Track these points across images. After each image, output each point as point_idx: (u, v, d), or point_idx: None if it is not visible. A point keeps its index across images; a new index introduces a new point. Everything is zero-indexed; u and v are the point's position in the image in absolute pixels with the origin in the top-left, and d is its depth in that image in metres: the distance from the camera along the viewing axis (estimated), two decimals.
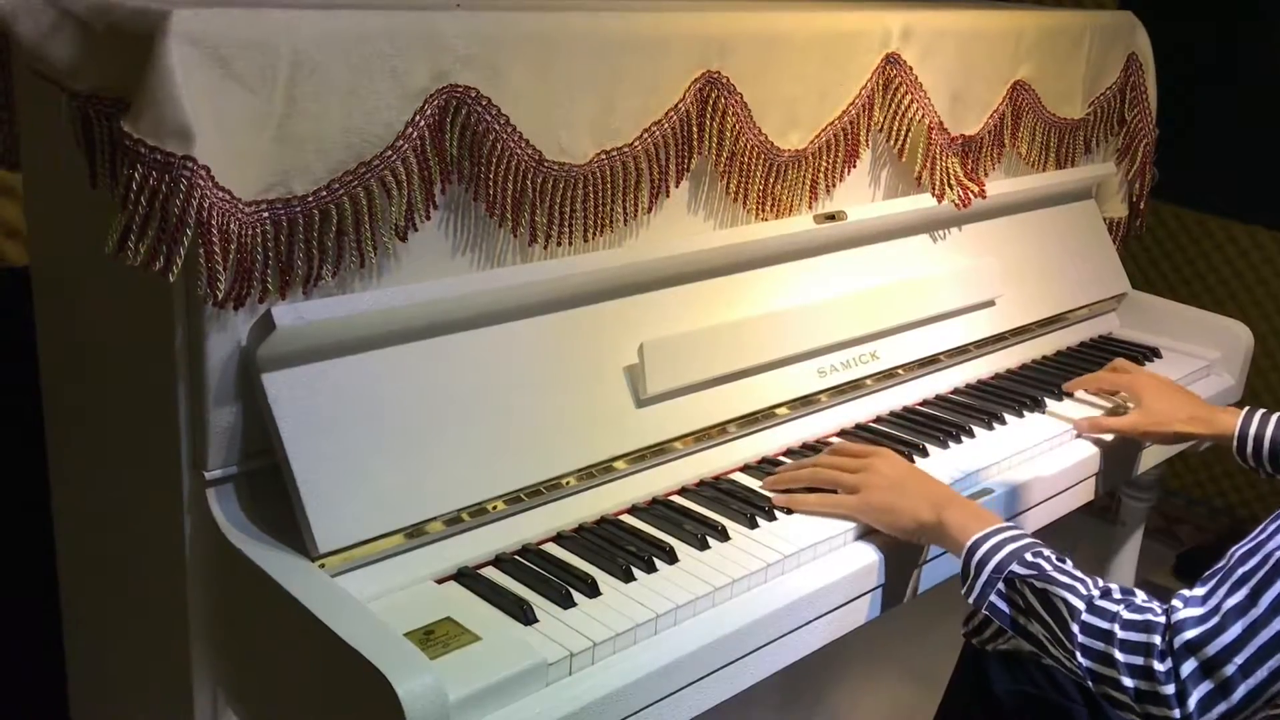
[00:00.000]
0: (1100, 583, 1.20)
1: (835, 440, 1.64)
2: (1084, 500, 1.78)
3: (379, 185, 1.23)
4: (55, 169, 1.37)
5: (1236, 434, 1.68)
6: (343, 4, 1.23)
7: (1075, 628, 1.17)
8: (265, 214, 1.16)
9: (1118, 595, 1.18)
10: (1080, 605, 1.17)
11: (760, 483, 1.50)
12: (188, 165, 1.07)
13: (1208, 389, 2.07)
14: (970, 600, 1.28)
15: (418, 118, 1.24)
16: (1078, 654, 1.16)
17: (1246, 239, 3.06)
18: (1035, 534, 1.68)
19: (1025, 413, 1.80)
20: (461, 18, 1.27)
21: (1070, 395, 1.86)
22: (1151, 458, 1.93)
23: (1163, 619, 1.12)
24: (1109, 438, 1.78)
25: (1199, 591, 1.12)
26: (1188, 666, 1.09)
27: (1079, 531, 2.95)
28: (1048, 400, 1.85)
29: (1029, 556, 1.24)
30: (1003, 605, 1.25)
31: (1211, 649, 1.08)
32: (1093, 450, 1.76)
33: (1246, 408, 1.71)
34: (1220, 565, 1.13)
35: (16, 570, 1.78)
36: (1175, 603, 1.13)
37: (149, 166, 1.06)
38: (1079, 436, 1.78)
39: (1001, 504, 1.58)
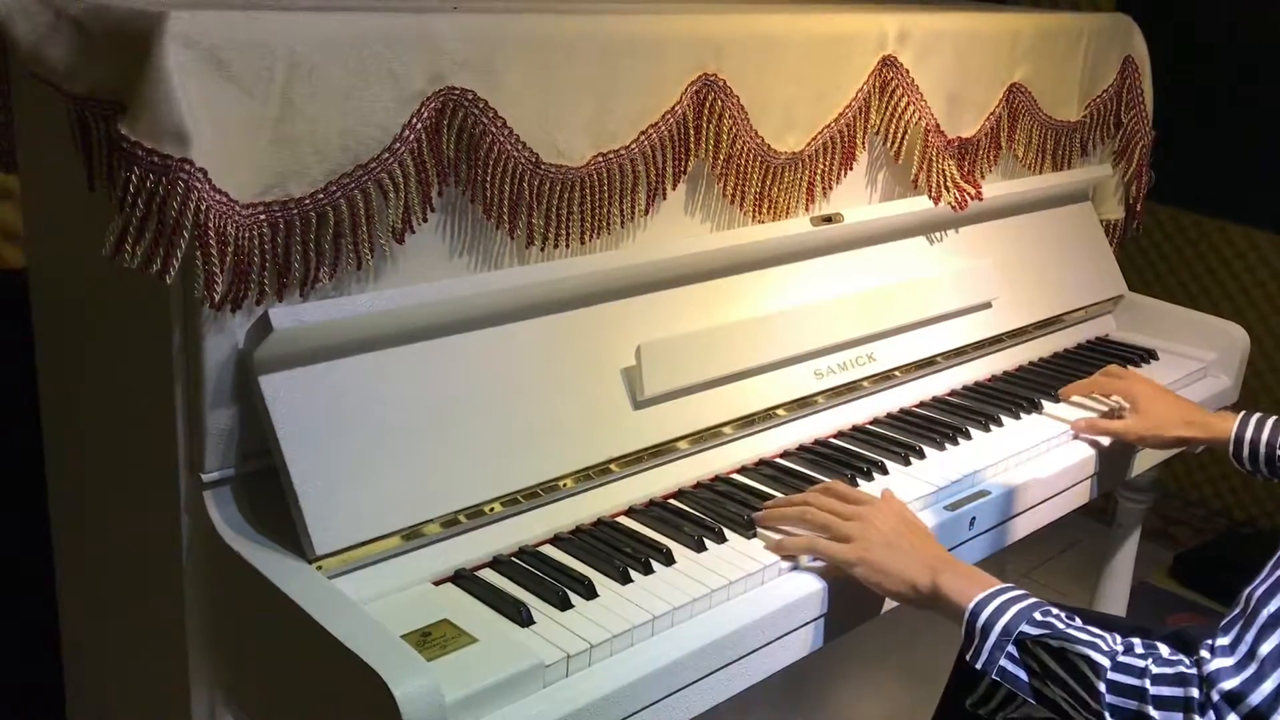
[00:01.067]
0: (1119, 639, 1.15)
1: (834, 441, 1.64)
2: (1081, 502, 1.78)
3: (376, 187, 1.23)
4: (53, 171, 1.37)
5: (1233, 438, 1.69)
6: (340, 6, 1.23)
7: (1102, 686, 1.11)
8: (262, 216, 1.16)
9: (1140, 650, 1.12)
10: (1105, 662, 1.11)
11: (758, 484, 1.50)
12: (185, 167, 1.07)
13: (1204, 391, 2.07)
14: (979, 665, 1.20)
15: (415, 120, 1.24)
16: (1106, 714, 1.10)
17: (1243, 241, 3.06)
18: (1034, 535, 1.70)
19: (1022, 414, 1.80)
20: (458, 20, 1.27)
21: (1065, 400, 1.86)
22: (1148, 459, 1.93)
23: (1194, 671, 1.07)
24: (1105, 441, 1.79)
25: (1224, 641, 1.07)
26: None
27: (1076, 533, 2.96)
28: (1044, 402, 1.85)
29: (1038, 616, 1.18)
30: (1016, 670, 1.18)
31: (1254, 699, 1.03)
32: (1090, 452, 1.76)
33: (1242, 412, 1.72)
34: (1239, 611, 1.08)
35: (13, 572, 1.78)
36: (1203, 654, 1.07)
37: (146, 169, 1.06)
38: (1076, 437, 1.78)
39: (998, 506, 1.59)
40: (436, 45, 1.25)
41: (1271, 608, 1.05)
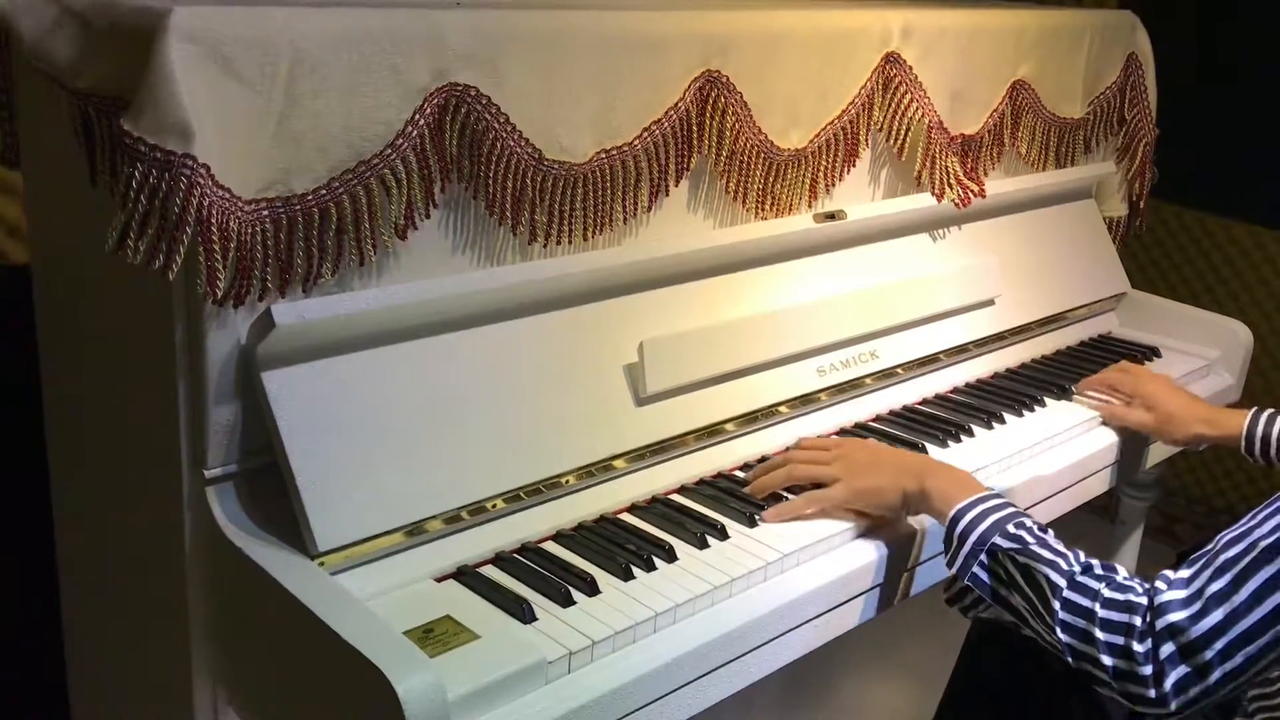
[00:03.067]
0: (1082, 557, 1.22)
1: (835, 438, 1.64)
2: (1084, 499, 1.78)
3: (379, 183, 1.23)
4: (55, 167, 1.37)
5: (1244, 433, 1.71)
6: (343, 1, 1.23)
7: (1056, 604, 1.18)
8: (265, 212, 1.16)
9: (1099, 571, 1.20)
10: (1062, 582, 1.19)
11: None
12: (187, 163, 1.07)
13: (1207, 388, 2.07)
14: (953, 570, 1.29)
15: (418, 116, 1.24)
16: (1058, 630, 1.18)
17: (1247, 238, 3.06)
18: None
19: (1025, 412, 1.80)
20: (462, 16, 1.27)
21: (1080, 395, 1.86)
22: (1152, 457, 1.93)
23: (1144, 599, 1.14)
24: (1112, 437, 1.79)
25: (1183, 574, 1.14)
26: (1167, 649, 1.11)
27: (1079, 530, 2.96)
28: (1047, 399, 1.85)
29: (1011, 528, 1.25)
30: (984, 576, 1.26)
31: (1192, 633, 1.10)
32: (1093, 449, 1.76)
33: (1254, 408, 1.73)
34: (1206, 549, 1.14)
35: (16, 568, 1.78)
36: (1159, 584, 1.14)
37: (149, 164, 1.06)
38: (1082, 434, 1.78)
39: None
40: (440, 41, 1.24)
41: (1230, 553, 1.11)
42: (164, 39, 1.06)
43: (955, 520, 1.29)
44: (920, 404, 1.80)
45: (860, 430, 1.68)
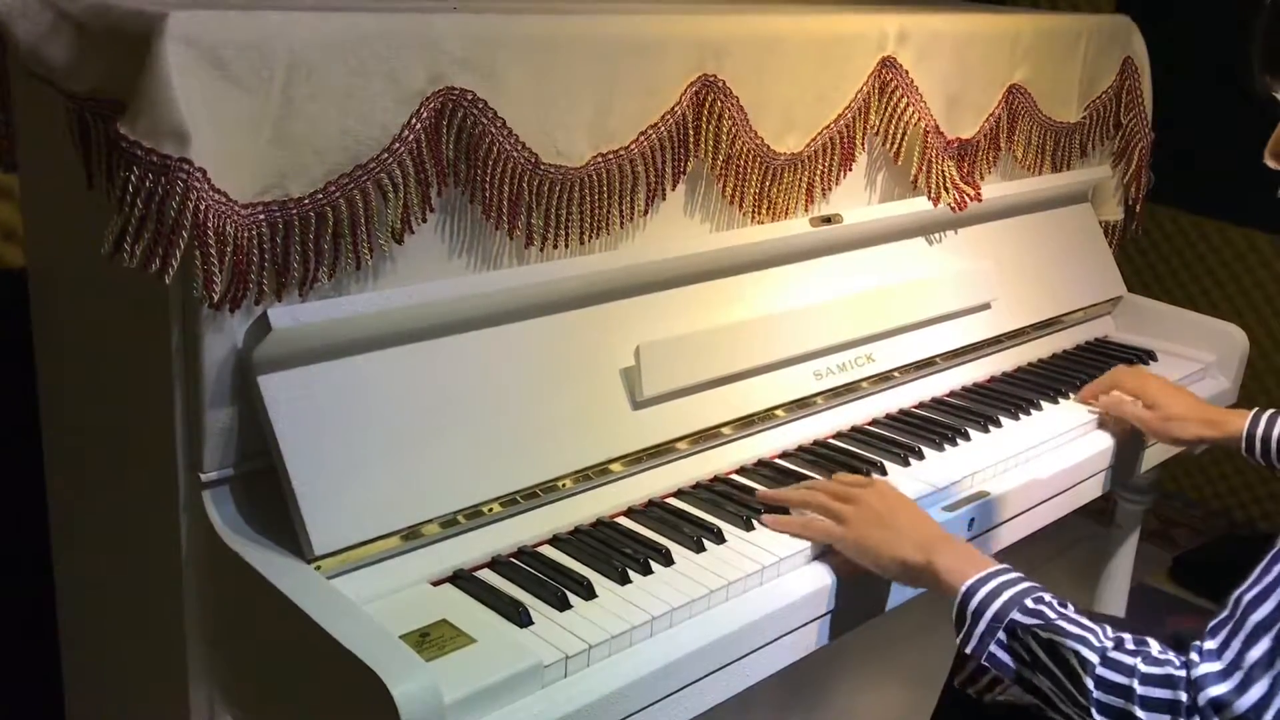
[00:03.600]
0: (1110, 632, 1.14)
1: (833, 442, 1.64)
2: (1081, 503, 1.78)
3: (375, 187, 1.23)
4: (52, 170, 1.37)
5: (1245, 434, 1.71)
6: (340, 6, 1.23)
7: (1090, 683, 1.10)
8: (261, 216, 1.16)
9: (1131, 646, 1.12)
10: (1094, 659, 1.11)
11: (757, 484, 1.50)
12: (184, 167, 1.07)
13: (1203, 392, 2.07)
14: (968, 650, 1.20)
15: (414, 120, 1.24)
16: (1093, 710, 1.10)
17: (1242, 242, 3.06)
18: (1032, 536, 1.70)
19: (1021, 415, 1.80)
20: (458, 20, 1.27)
21: (1085, 404, 1.86)
22: (1149, 460, 1.93)
23: (1183, 673, 1.07)
24: (1109, 441, 1.79)
25: (1212, 645, 1.06)
26: None
27: (1075, 534, 2.96)
28: (1044, 403, 1.85)
29: (1030, 603, 1.17)
30: (1005, 656, 1.18)
31: (1239, 707, 1.02)
32: (1089, 453, 1.76)
33: (1255, 409, 1.74)
34: (1227, 615, 1.07)
35: (12, 572, 1.78)
36: (1192, 656, 1.07)
37: (145, 168, 1.06)
38: (1078, 437, 1.78)
39: (997, 507, 1.59)
40: (436, 45, 1.25)
41: (1259, 614, 1.04)
42: (160, 43, 1.06)
43: (968, 597, 1.20)
44: (917, 407, 1.80)
45: (857, 434, 1.68)
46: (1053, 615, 1.16)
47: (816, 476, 1.52)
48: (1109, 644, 1.12)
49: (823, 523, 1.36)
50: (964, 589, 1.21)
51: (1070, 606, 1.18)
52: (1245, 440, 1.71)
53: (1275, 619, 1.02)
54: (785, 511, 1.42)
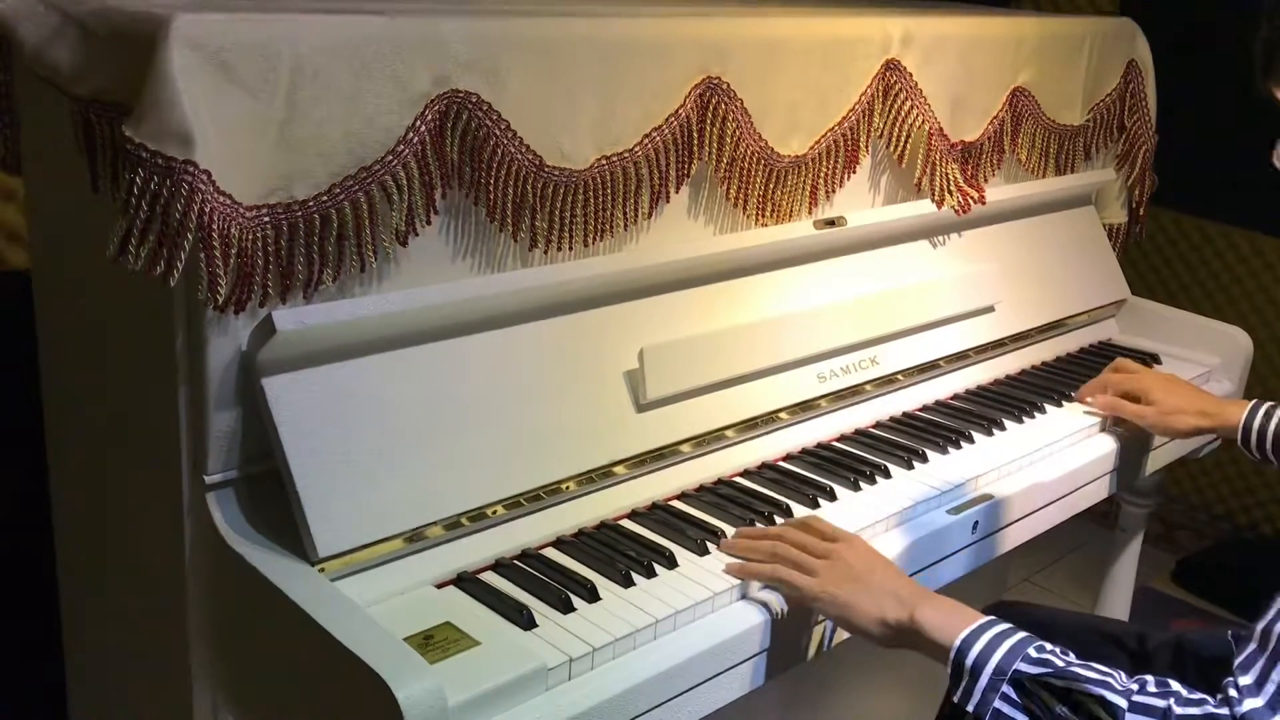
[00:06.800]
0: (1126, 676, 1.08)
1: (836, 445, 1.64)
2: (1084, 506, 1.78)
3: (380, 190, 1.23)
4: (57, 173, 1.37)
5: (1242, 426, 1.71)
6: (344, 9, 1.23)
7: None
8: (266, 218, 1.16)
9: (1155, 689, 1.06)
10: (1121, 703, 1.04)
11: (760, 487, 1.50)
12: (189, 170, 1.07)
13: None
14: (969, 708, 1.12)
15: (419, 123, 1.24)
16: None
17: (1246, 245, 3.06)
18: (1036, 539, 1.69)
19: (1025, 418, 1.80)
20: (462, 23, 1.27)
21: (1081, 402, 1.86)
22: (1153, 462, 1.93)
23: (1225, 710, 1.02)
24: (1113, 444, 1.79)
25: (1247, 680, 1.02)
26: None
27: (1079, 537, 2.96)
28: (1048, 406, 1.85)
29: (1033, 653, 1.10)
30: (1013, 713, 1.10)
31: None
32: (1093, 456, 1.76)
33: (1254, 400, 1.74)
34: (1257, 648, 1.04)
35: (16, 573, 1.78)
36: (1231, 693, 1.03)
37: (150, 171, 1.06)
38: (1082, 440, 1.78)
39: (1001, 510, 1.59)
40: (441, 48, 1.25)
41: None
42: (166, 46, 1.07)
43: (963, 652, 1.12)
44: (920, 410, 1.80)
45: (860, 436, 1.68)
46: (1061, 664, 1.09)
47: (821, 480, 1.52)
48: (1133, 687, 1.07)
49: (791, 573, 1.26)
50: (958, 644, 1.13)
51: (1072, 655, 1.11)
52: (1242, 432, 1.71)
53: None
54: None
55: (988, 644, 1.12)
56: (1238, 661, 1.05)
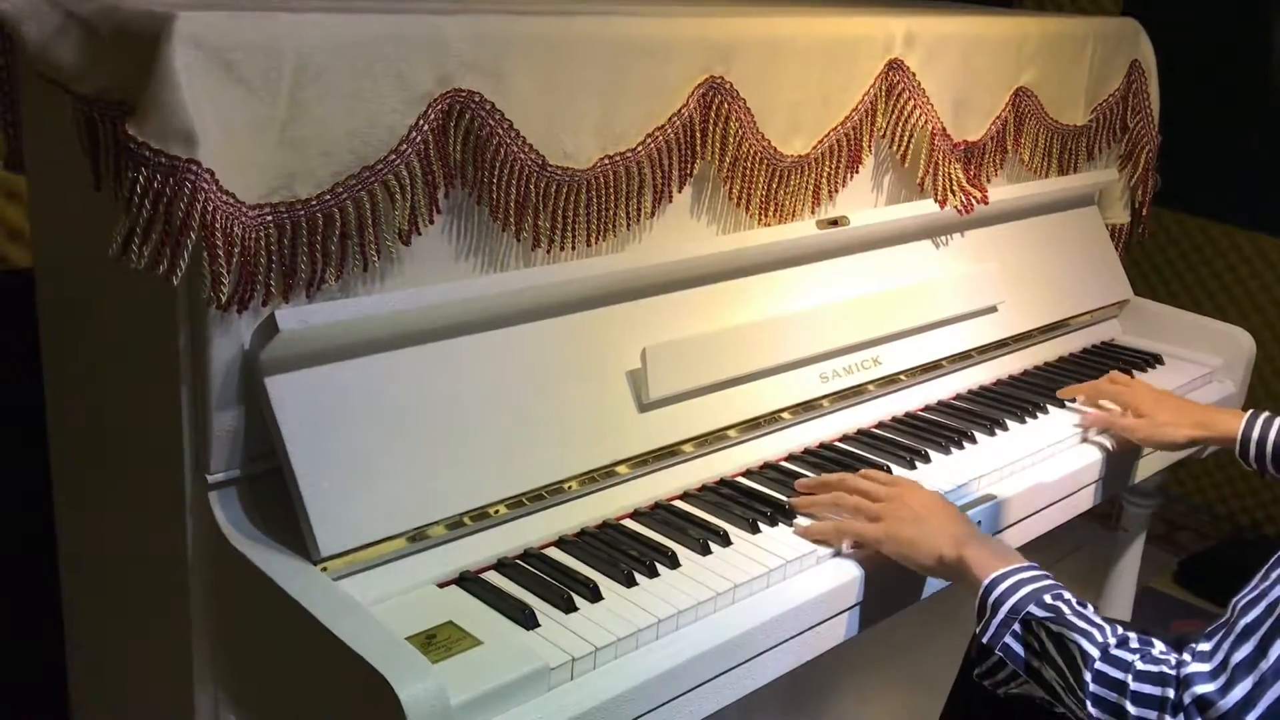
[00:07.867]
0: (1118, 630, 1.16)
1: (839, 445, 1.64)
2: (1086, 507, 1.78)
3: (383, 189, 1.23)
4: (59, 171, 1.37)
5: (1240, 437, 1.70)
6: (348, 8, 1.23)
7: (1088, 676, 1.13)
8: (269, 217, 1.16)
9: (1134, 644, 1.14)
10: (1094, 652, 1.14)
11: (763, 487, 1.50)
12: (192, 168, 1.07)
13: (1209, 396, 2.07)
14: (985, 639, 1.23)
15: (421, 122, 1.24)
16: (1089, 704, 1.13)
17: (1249, 246, 3.06)
18: (1037, 540, 1.69)
19: (1027, 419, 1.80)
20: (466, 22, 1.27)
21: (1068, 401, 1.86)
22: (1154, 463, 1.93)
23: (1174, 671, 1.09)
24: (1111, 445, 1.79)
25: (1205, 646, 1.10)
26: None
27: (1081, 537, 2.95)
28: (1050, 406, 1.85)
29: (1048, 599, 1.20)
30: (1017, 647, 1.21)
31: (1222, 706, 1.05)
32: (1095, 457, 1.76)
33: (1250, 411, 1.72)
34: (1224, 619, 1.10)
35: (18, 572, 1.78)
36: (1185, 656, 1.10)
37: (153, 169, 1.06)
38: (1083, 440, 1.78)
39: (1003, 510, 1.59)
40: (444, 47, 1.25)
41: (1249, 618, 1.07)
42: (169, 44, 1.07)
43: (990, 588, 1.23)
44: (923, 410, 1.80)
45: (864, 437, 1.68)
46: (1066, 611, 1.18)
47: (815, 476, 1.52)
48: (1112, 641, 1.15)
49: (856, 524, 1.38)
50: (987, 581, 1.24)
51: (1090, 607, 1.20)
52: (1240, 444, 1.70)
53: (1262, 622, 1.06)
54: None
55: (1011, 585, 1.23)
56: (1208, 630, 1.11)
